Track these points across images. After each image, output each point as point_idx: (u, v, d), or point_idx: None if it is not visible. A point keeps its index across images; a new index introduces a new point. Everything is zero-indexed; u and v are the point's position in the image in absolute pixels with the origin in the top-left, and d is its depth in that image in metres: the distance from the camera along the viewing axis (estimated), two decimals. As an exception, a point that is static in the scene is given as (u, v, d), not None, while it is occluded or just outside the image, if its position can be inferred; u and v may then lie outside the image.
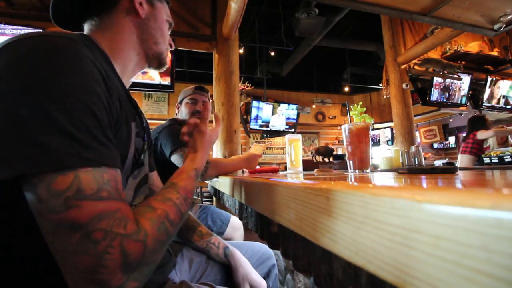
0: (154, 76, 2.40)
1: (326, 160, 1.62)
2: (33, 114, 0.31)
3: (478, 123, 3.05)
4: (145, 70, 0.64)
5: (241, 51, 4.96)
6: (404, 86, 3.23)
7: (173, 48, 0.67)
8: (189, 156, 0.56)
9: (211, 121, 2.77)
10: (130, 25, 0.55)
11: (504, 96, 4.09)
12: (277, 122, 4.95)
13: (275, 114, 4.93)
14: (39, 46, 0.36)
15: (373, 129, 6.19)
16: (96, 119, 0.36)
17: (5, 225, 0.36)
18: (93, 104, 0.36)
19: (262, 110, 4.82)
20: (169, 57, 0.65)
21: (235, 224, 1.37)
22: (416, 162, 1.43)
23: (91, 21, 0.54)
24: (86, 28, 0.54)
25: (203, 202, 3.03)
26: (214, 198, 2.37)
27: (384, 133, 6.30)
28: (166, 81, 2.41)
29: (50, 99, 0.32)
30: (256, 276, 0.76)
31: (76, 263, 0.30)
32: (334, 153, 1.65)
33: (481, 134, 2.90)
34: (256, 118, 4.77)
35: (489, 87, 3.92)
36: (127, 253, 0.32)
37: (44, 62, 0.34)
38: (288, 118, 5.05)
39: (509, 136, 3.15)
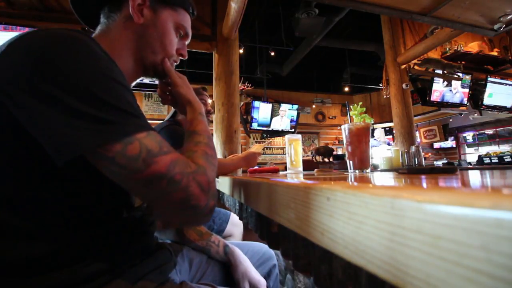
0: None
1: (326, 160, 1.62)
2: (79, 97, 0.36)
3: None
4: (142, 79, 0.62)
5: (241, 51, 4.96)
6: (404, 86, 3.23)
7: (186, 57, 0.63)
8: (187, 108, 0.60)
9: (211, 121, 2.76)
10: (128, 30, 0.55)
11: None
12: (281, 125, 4.92)
13: (278, 116, 4.91)
14: (60, 37, 0.39)
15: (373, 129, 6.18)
16: (131, 95, 0.43)
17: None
18: (125, 81, 0.43)
19: (263, 110, 4.82)
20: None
21: (235, 221, 1.37)
22: (416, 162, 1.43)
23: (101, 22, 0.56)
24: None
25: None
26: (214, 198, 2.36)
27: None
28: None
29: (90, 80, 0.38)
30: (255, 274, 0.76)
31: (172, 199, 0.40)
32: (334, 153, 1.65)
33: None
34: (257, 118, 4.76)
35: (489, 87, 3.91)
36: (200, 183, 0.42)
37: (70, 50, 0.39)
38: (292, 121, 5.05)
39: None
